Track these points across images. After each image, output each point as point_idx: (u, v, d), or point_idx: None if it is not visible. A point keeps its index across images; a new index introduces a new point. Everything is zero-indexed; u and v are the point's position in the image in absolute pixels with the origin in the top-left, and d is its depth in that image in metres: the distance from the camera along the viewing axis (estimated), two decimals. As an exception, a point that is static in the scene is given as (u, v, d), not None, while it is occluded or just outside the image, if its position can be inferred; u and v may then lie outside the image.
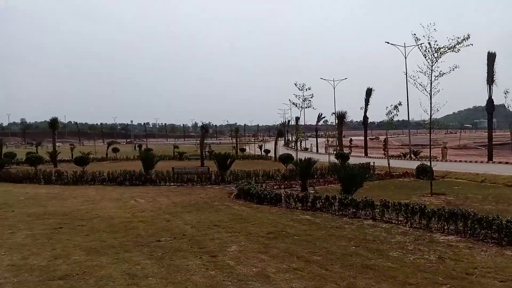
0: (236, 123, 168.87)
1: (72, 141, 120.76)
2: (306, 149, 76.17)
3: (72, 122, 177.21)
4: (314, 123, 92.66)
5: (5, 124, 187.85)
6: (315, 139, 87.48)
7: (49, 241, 9.49)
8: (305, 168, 18.85)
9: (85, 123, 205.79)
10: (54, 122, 41.42)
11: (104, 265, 7.44)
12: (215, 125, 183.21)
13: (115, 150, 55.24)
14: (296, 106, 37.12)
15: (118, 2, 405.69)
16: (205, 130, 45.22)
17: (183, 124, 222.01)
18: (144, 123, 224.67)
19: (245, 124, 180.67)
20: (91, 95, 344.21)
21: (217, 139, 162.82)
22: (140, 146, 72.24)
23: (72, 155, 46.61)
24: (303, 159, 20.18)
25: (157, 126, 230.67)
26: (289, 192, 15.67)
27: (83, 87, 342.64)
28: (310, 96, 35.80)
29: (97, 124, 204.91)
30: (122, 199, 16.75)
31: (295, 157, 31.72)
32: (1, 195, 18.61)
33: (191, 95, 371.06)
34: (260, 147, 67.30)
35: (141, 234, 10.14)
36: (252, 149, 77.76)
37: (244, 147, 79.16)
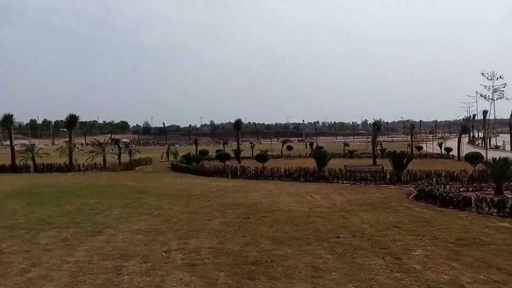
0: (410, 119, 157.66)
1: (251, 139, 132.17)
2: (497, 147, 66.25)
3: (251, 123, 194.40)
4: (507, 117, 79.50)
5: (198, 125, 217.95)
6: (509, 135, 75.34)
7: (239, 229, 10.56)
8: (501, 169, 16.39)
9: (262, 123, 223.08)
10: (238, 123, 46.08)
11: (289, 256, 7.89)
12: (387, 122, 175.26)
13: (289, 148, 58.16)
14: (485, 98, 32.69)
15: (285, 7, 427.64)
16: (377, 127, 43.58)
17: (352, 122, 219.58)
18: (314, 122, 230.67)
19: (420, 120, 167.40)
20: (267, 97, 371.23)
21: (389, 136, 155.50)
22: (311, 144, 74.26)
23: (252, 152, 51.10)
24: (496, 158, 17.61)
25: (327, 125, 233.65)
26: (480, 195, 13.86)
27: (260, 90, 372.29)
28: (502, 86, 30.99)
29: (272, 124, 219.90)
30: (298, 194, 17.51)
31: (484, 156, 27.95)
32: (198, 187, 21.50)
33: (359, 92, 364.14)
34: (440, 145, 61.37)
35: (320, 229, 10.41)
36: (429, 147, 71.62)
37: (421, 144, 73.45)
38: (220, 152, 43.97)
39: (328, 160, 28.15)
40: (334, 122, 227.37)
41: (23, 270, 7.34)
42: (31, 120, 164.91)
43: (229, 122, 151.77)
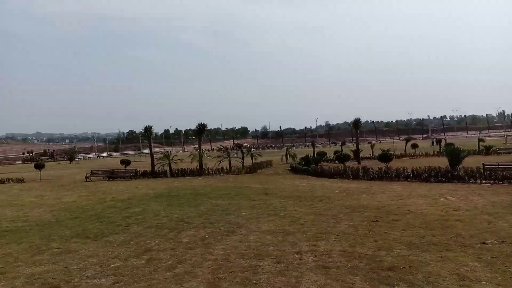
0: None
1: (369, 139, 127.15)
2: None
3: (369, 121, 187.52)
4: None
5: (313, 127, 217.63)
6: None
7: (369, 232, 10.21)
8: None
9: (381, 121, 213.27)
10: (357, 122, 44.56)
11: (429, 262, 7.36)
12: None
13: (414, 146, 54.27)
14: None
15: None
16: (520, 119, 38.15)
17: (486, 114, 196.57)
18: (440, 116, 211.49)
19: None
20: (385, 94, 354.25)
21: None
22: (439, 141, 68.21)
23: (372, 152, 49.06)
24: None
25: (455, 119, 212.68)
26: None
27: (377, 87, 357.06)
28: None
29: (391, 121, 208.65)
30: (430, 196, 16.27)
31: None
32: (319, 188, 21.40)
33: (494, 81, 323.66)
34: None
35: (460, 233, 9.51)
36: None
37: None
38: (339, 153, 43.11)
39: (463, 158, 25.54)
40: (465, 116, 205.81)
41: (171, 266, 8.15)
42: (165, 130, 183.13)
43: (345, 122, 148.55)
